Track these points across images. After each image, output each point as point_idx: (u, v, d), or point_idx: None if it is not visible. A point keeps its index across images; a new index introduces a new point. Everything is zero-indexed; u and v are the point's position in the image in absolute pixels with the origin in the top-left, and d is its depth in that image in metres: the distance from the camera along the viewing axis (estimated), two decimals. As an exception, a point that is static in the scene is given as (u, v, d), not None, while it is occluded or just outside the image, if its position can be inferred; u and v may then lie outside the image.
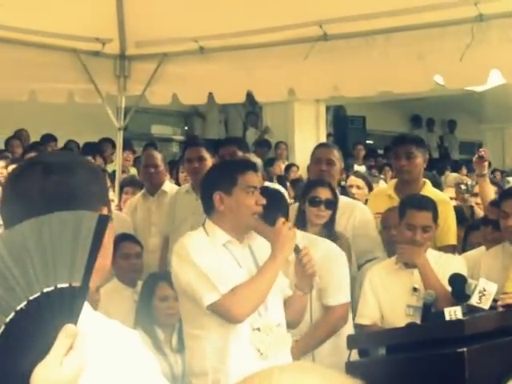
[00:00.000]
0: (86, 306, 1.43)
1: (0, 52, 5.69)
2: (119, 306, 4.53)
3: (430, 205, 4.31)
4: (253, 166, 3.64)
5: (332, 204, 4.54)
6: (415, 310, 4.11)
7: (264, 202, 3.47)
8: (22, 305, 1.18)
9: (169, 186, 6.21)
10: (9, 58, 5.74)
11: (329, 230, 4.55)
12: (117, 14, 5.86)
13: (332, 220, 4.57)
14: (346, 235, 4.72)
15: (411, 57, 5.14)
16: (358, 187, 6.57)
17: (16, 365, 1.18)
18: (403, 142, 5.12)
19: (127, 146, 9.49)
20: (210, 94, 6.16)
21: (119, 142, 6.91)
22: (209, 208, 3.52)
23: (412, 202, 4.36)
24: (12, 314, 1.17)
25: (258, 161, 5.42)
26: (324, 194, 4.53)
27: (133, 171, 9.35)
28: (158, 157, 6.16)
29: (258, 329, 3.39)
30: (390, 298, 4.26)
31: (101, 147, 10.08)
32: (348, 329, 4.14)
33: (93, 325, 1.40)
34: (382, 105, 14.31)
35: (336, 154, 5.12)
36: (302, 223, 4.56)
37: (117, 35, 6.12)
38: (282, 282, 3.53)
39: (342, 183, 8.05)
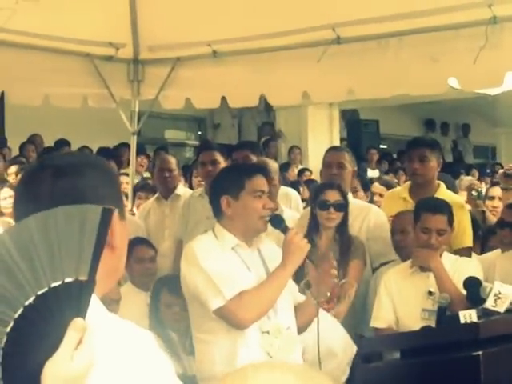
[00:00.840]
0: (99, 304, 1.42)
1: (14, 57, 5.72)
2: (133, 310, 4.53)
3: (445, 208, 4.27)
4: (261, 170, 3.62)
5: (342, 206, 4.51)
6: (431, 314, 4.07)
7: (272, 205, 3.45)
8: (31, 300, 1.17)
9: (182, 189, 6.20)
10: (23, 62, 5.77)
11: (342, 233, 4.54)
12: (130, 18, 5.88)
13: (344, 223, 4.54)
14: (361, 238, 4.69)
15: (425, 59, 5.11)
16: (381, 195, 6.50)
17: (26, 361, 1.18)
18: (417, 144, 5.07)
19: (141, 150, 9.51)
20: (223, 97, 6.16)
21: (133, 147, 6.93)
22: (218, 212, 3.52)
23: (427, 206, 4.32)
24: (21, 310, 1.17)
25: (275, 165, 5.36)
26: (332, 196, 4.51)
27: (146, 175, 9.36)
28: (173, 161, 6.16)
29: (268, 332, 3.36)
30: (406, 302, 4.22)
31: (118, 152, 10.09)
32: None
33: (105, 323, 1.39)
34: (396, 109, 14.26)
35: (347, 157, 5.05)
36: (314, 227, 4.55)
37: (130, 40, 6.14)
38: (293, 286, 3.51)
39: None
